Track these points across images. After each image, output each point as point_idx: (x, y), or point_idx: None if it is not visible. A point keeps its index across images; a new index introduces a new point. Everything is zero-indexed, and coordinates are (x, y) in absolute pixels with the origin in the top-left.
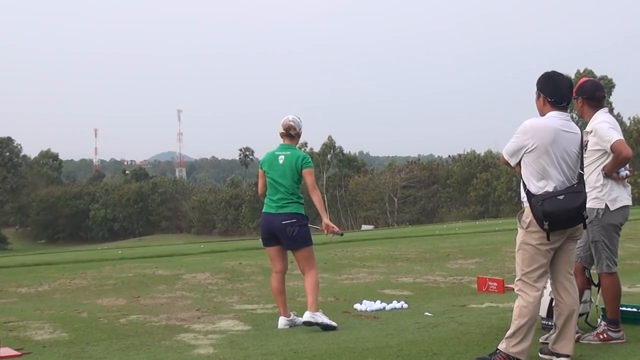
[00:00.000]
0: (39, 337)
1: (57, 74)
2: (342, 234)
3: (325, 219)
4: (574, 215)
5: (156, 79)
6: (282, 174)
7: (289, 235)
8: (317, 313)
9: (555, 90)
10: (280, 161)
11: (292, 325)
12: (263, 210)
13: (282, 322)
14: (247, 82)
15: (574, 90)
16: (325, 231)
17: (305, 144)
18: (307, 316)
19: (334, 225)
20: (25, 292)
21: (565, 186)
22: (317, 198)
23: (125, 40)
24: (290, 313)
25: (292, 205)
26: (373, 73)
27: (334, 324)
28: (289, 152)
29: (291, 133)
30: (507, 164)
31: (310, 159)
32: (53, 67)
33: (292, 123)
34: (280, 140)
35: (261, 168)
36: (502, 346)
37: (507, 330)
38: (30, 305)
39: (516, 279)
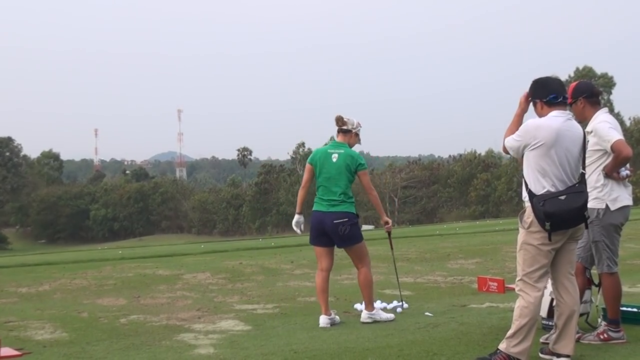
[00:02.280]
0: (39, 337)
1: (57, 74)
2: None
3: (385, 218)
4: (576, 215)
5: (156, 79)
6: (336, 173)
7: (340, 234)
8: (373, 312)
9: (548, 90)
10: (334, 159)
11: (333, 323)
12: (314, 209)
13: (323, 320)
14: (247, 82)
15: (570, 94)
16: (385, 228)
17: (303, 144)
18: (364, 317)
19: (390, 224)
20: (26, 292)
21: (566, 186)
22: (374, 198)
23: (126, 40)
24: (332, 312)
25: (343, 204)
26: (373, 73)
27: (391, 317)
28: (342, 151)
29: (343, 128)
30: (507, 152)
31: (364, 160)
32: (53, 67)
33: (342, 115)
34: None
35: (310, 163)
36: (502, 346)
37: (507, 331)
38: (30, 305)
39: (517, 279)
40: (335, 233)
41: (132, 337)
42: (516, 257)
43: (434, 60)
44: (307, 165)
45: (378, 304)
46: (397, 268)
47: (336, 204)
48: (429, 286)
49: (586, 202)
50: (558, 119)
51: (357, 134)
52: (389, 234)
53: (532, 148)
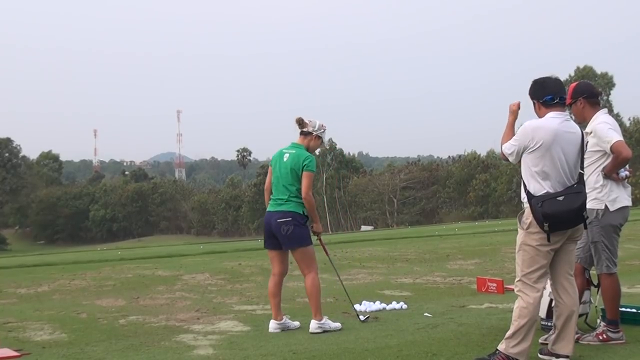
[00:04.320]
0: (38, 337)
1: (57, 74)
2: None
3: (316, 225)
4: (574, 216)
5: (156, 80)
6: (283, 172)
7: (283, 234)
8: (323, 321)
9: (545, 91)
10: (285, 159)
11: (284, 329)
12: (267, 210)
13: (272, 325)
14: (247, 82)
15: (569, 94)
16: (316, 235)
17: None
18: (313, 327)
19: (321, 238)
20: (25, 293)
21: (565, 187)
22: (307, 203)
23: (125, 40)
24: (284, 317)
25: (289, 203)
26: (373, 73)
27: (339, 326)
28: (294, 151)
29: (303, 130)
30: (507, 159)
31: (313, 162)
32: (53, 67)
33: (303, 117)
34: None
35: (270, 165)
36: (501, 347)
37: (506, 331)
38: (29, 306)
39: (516, 279)
40: (279, 232)
41: (131, 338)
42: (515, 258)
43: (434, 60)
44: (269, 167)
45: (377, 305)
46: (396, 269)
47: (282, 202)
48: (428, 287)
49: (585, 202)
50: (555, 120)
51: (319, 137)
52: (320, 240)
53: (530, 150)
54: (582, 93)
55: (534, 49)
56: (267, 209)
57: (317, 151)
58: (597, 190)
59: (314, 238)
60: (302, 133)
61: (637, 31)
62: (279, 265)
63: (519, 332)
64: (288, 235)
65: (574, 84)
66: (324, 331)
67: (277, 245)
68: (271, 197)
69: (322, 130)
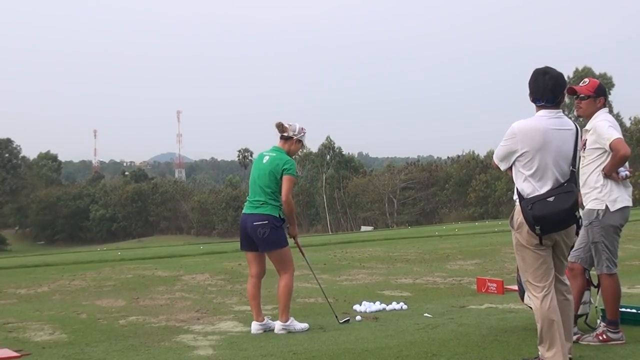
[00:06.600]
0: (38, 338)
1: (57, 74)
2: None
3: (293, 230)
4: (566, 216)
5: (156, 80)
6: (261, 174)
7: (260, 236)
8: (287, 323)
9: (534, 90)
10: (264, 161)
11: (266, 329)
12: (242, 212)
13: (254, 326)
14: (247, 83)
15: (593, 89)
16: (292, 238)
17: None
18: (278, 328)
19: (297, 240)
20: (25, 294)
21: (557, 185)
22: (287, 208)
23: (125, 41)
24: (265, 317)
25: (265, 206)
26: (372, 74)
27: (305, 327)
28: (274, 154)
29: (284, 134)
30: (499, 168)
31: (293, 166)
32: (53, 67)
33: (283, 122)
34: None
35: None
36: (540, 353)
37: (506, 331)
38: (29, 306)
39: (523, 280)
40: (255, 236)
41: (131, 338)
42: (516, 260)
43: (434, 61)
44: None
45: (377, 305)
46: (396, 269)
47: (258, 205)
48: (428, 287)
49: (576, 202)
50: (543, 119)
51: (299, 141)
52: (297, 242)
53: (519, 153)
54: (605, 94)
55: (533, 50)
56: (244, 211)
57: (314, 151)
58: (597, 190)
59: (291, 241)
60: (282, 137)
61: (636, 32)
62: (257, 267)
63: (544, 336)
64: (264, 239)
65: (597, 82)
66: (289, 332)
67: (253, 247)
68: (248, 199)
69: (302, 134)
